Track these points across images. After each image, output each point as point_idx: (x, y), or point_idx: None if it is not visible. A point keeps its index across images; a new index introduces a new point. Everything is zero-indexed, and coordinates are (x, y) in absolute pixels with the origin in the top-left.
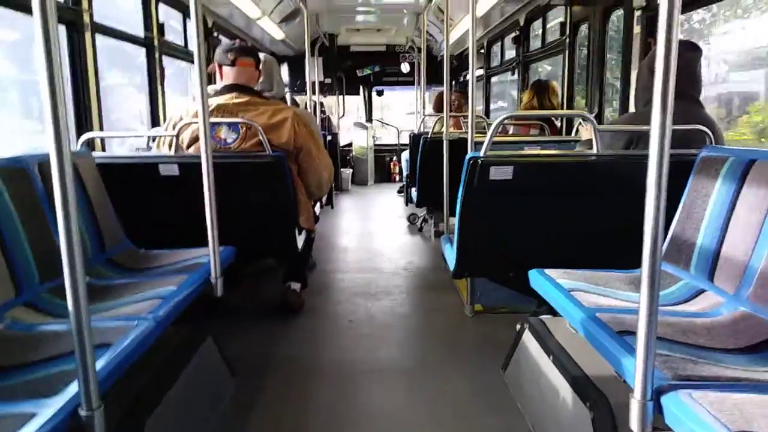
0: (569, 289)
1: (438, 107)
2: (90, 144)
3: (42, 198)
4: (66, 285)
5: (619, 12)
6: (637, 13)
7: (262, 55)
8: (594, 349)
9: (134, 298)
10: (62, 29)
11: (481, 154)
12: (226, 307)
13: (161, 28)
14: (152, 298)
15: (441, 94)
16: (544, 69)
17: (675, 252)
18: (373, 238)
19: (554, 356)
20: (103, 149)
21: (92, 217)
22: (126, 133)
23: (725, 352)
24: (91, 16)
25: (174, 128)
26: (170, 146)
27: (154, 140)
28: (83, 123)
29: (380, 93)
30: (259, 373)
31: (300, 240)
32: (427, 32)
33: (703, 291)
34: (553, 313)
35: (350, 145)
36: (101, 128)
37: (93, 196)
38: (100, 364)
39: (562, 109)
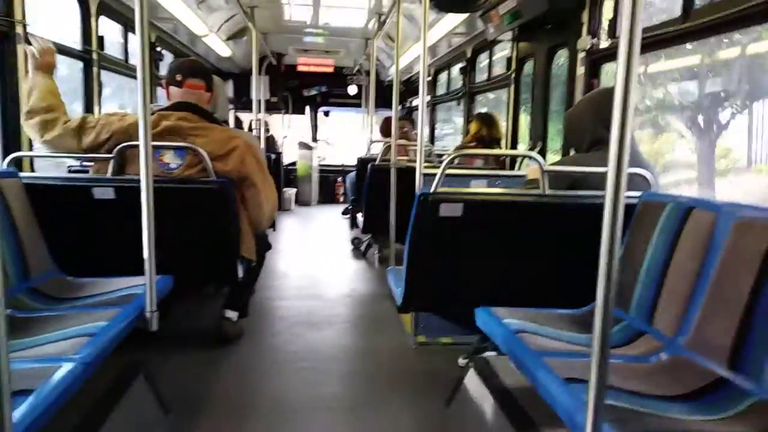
0: (516, 330)
1: (385, 132)
2: (18, 164)
3: None
4: None
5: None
6: (581, 55)
7: None
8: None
9: (60, 334)
10: None
11: (432, 191)
12: (160, 336)
13: (101, 41)
14: (80, 335)
15: (388, 119)
16: (486, 98)
17: (616, 293)
18: (316, 262)
19: (500, 400)
20: (32, 170)
21: (16, 242)
22: (58, 153)
23: (666, 400)
24: (24, 27)
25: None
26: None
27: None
28: (11, 142)
29: (327, 113)
30: (194, 411)
31: (240, 269)
32: (376, 57)
33: (642, 333)
34: (498, 348)
35: (294, 164)
36: (31, 148)
37: (18, 220)
38: (18, 414)
39: (506, 138)
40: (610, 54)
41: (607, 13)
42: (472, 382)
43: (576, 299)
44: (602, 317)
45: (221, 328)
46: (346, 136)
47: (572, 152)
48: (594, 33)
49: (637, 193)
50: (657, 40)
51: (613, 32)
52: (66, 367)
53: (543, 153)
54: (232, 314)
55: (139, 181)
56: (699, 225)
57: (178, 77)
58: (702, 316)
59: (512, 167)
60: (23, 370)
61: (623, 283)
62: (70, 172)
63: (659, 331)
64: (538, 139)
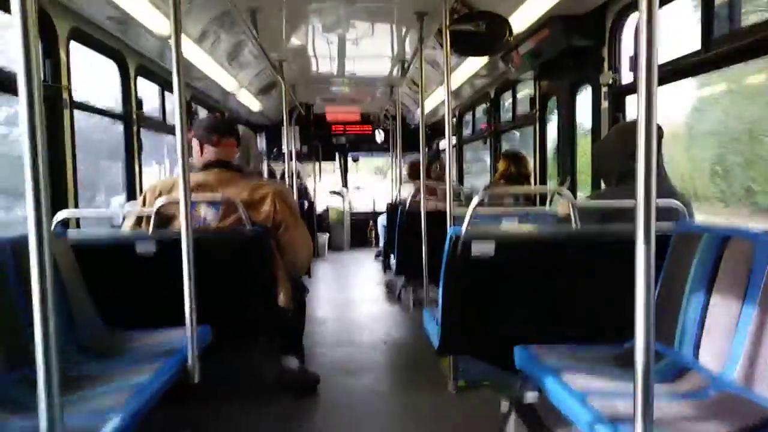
0: (556, 370)
1: (413, 174)
2: (65, 223)
3: (12, 281)
4: (39, 382)
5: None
6: (605, 89)
7: (240, 128)
8: None
9: (106, 389)
10: None
11: (463, 230)
12: (205, 387)
13: (140, 102)
14: (125, 388)
15: (415, 162)
16: (513, 135)
17: (658, 328)
18: (351, 307)
19: None
20: (78, 226)
21: (65, 299)
22: (102, 210)
23: None
24: (69, 92)
25: (145, 203)
26: (143, 223)
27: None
28: (58, 201)
29: (356, 159)
30: None
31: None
32: (402, 102)
33: (688, 369)
34: (540, 389)
35: (327, 210)
36: (76, 206)
37: (66, 277)
38: None
39: (534, 175)
40: (633, 88)
41: (627, 47)
42: (516, 426)
43: (615, 334)
44: (644, 354)
45: (280, 376)
46: (375, 180)
47: (602, 185)
48: (615, 68)
49: (671, 225)
50: (677, 71)
51: (634, 66)
52: (114, 422)
53: (573, 188)
54: (290, 360)
55: (178, 235)
56: (737, 254)
57: (215, 138)
58: (749, 350)
59: (542, 204)
60: (72, 426)
61: (664, 316)
62: (112, 227)
63: (705, 366)
64: (567, 174)
